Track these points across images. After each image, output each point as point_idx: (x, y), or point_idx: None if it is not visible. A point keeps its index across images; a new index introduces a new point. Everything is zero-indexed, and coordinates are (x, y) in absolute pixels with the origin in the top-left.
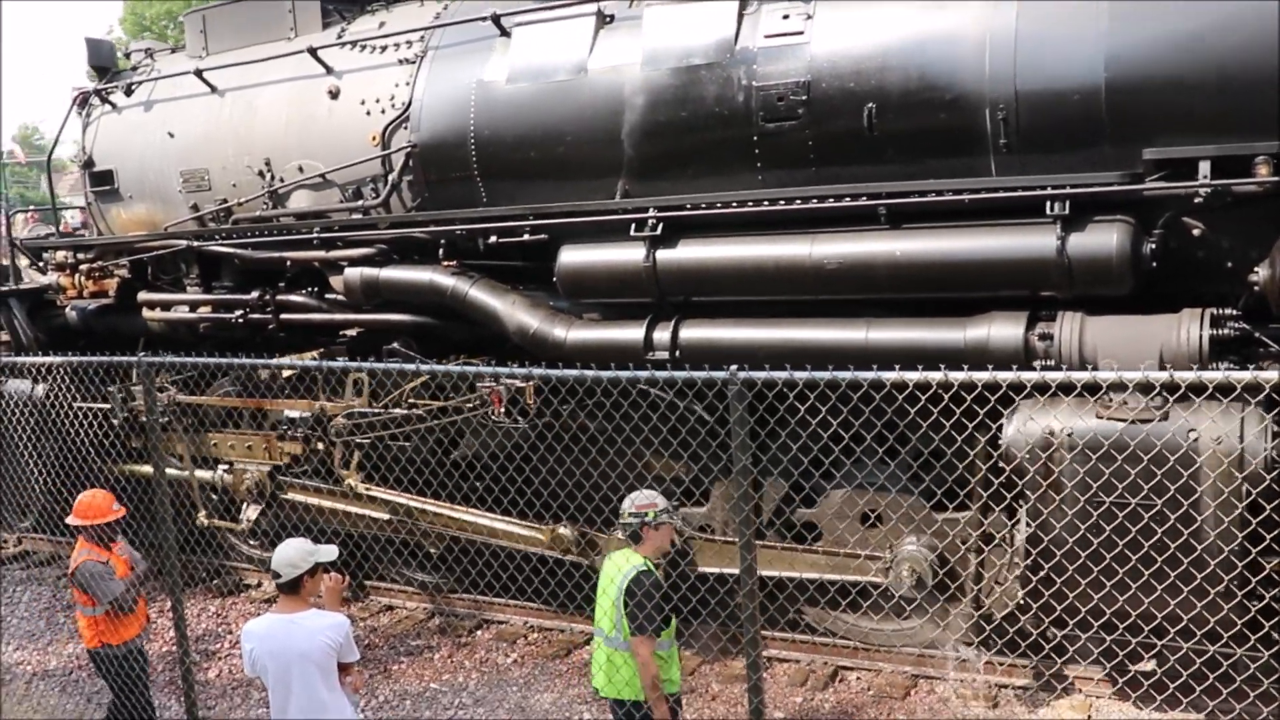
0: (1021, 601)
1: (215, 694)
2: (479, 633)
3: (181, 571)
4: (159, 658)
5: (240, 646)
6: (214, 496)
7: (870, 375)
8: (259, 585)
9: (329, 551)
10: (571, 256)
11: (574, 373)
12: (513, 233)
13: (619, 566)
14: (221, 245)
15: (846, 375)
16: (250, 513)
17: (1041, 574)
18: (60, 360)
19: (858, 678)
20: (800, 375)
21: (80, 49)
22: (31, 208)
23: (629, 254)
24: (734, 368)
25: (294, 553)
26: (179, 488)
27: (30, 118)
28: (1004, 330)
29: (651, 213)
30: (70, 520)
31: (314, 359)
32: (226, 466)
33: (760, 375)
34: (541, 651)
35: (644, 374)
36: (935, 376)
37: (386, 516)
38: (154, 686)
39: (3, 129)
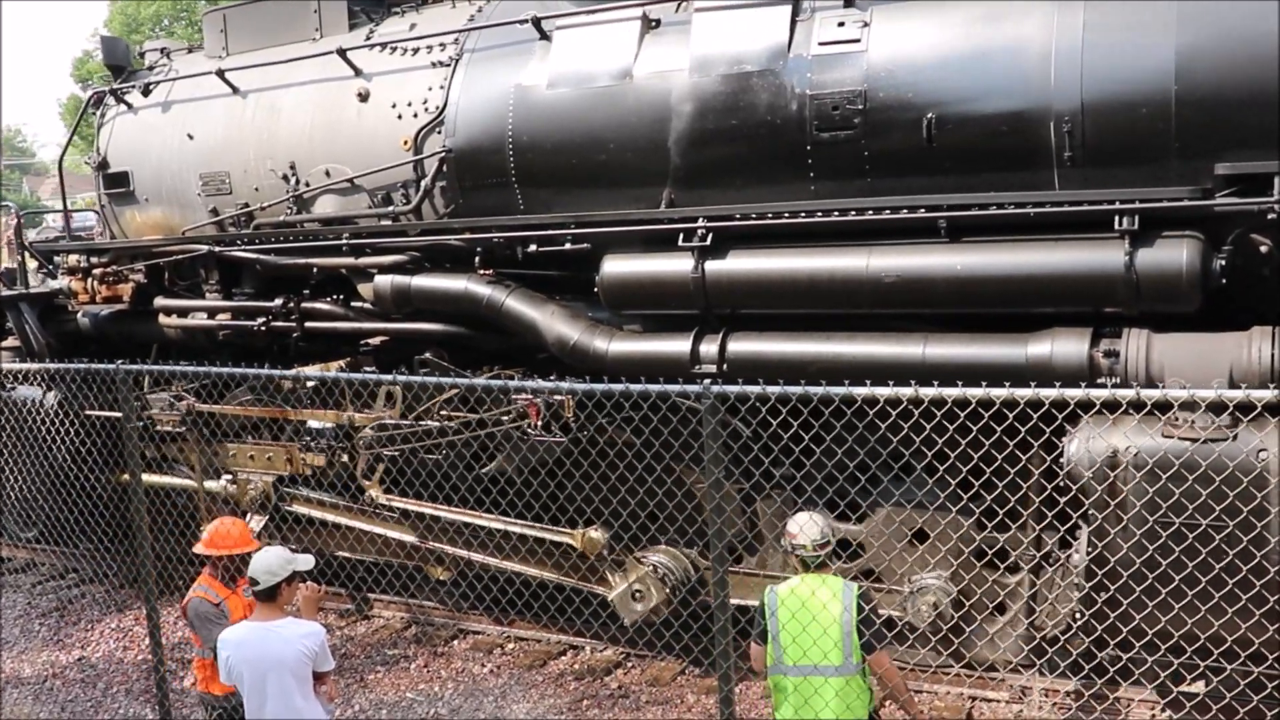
0: (1076, 621)
1: (191, 702)
2: (456, 642)
3: (157, 579)
4: (134, 666)
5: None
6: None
7: (842, 390)
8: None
9: (306, 560)
10: (615, 266)
11: (549, 384)
12: (553, 241)
13: (815, 593)
14: (245, 250)
15: (818, 390)
16: (254, 524)
17: (1103, 595)
18: (38, 367)
19: None
20: (773, 390)
21: (61, 51)
22: (14, 207)
23: (676, 264)
24: (706, 381)
25: (273, 560)
26: (190, 500)
27: (11, 120)
28: (1067, 347)
29: (701, 222)
30: (198, 549)
31: (341, 369)
32: (230, 477)
33: (733, 389)
34: (518, 662)
35: (618, 386)
36: (928, 392)
37: (400, 535)
38: (129, 696)
39: None
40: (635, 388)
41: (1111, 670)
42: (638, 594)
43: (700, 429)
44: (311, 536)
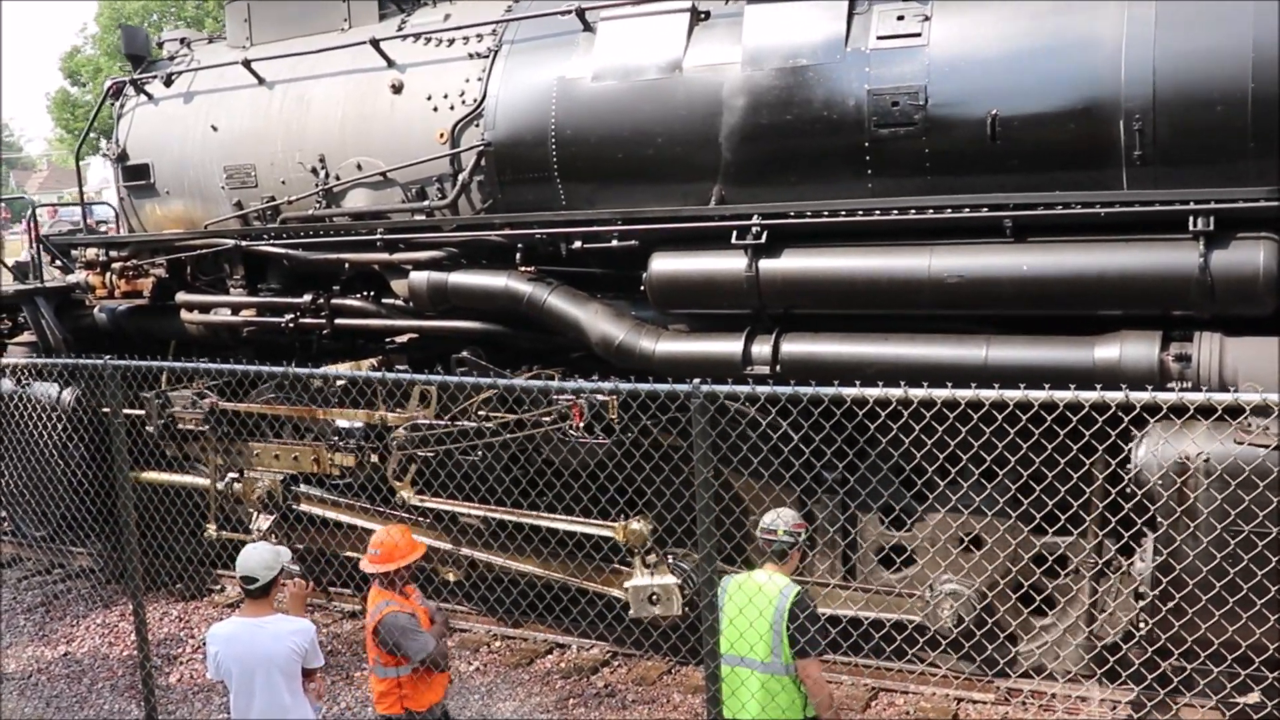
0: (1142, 630)
1: (176, 699)
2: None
3: (144, 575)
4: (119, 662)
5: (203, 650)
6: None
7: (831, 391)
8: (222, 590)
9: (287, 553)
10: (665, 264)
11: (538, 383)
12: (600, 238)
13: (760, 586)
14: (273, 245)
15: (808, 390)
16: (262, 523)
17: (1168, 603)
18: (25, 362)
19: None
20: (762, 390)
21: (49, 46)
22: (30, 200)
23: (729, 263)
24: (696, 380)
25: (268, 556)
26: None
27: None
28: (1137, 350)
29: (756, 220)
30: (368, 567)
31: (373, 367)
32: (236, 475)
33: (722, 389)
34: (504, 660)
35: (606, 385)
36: (918, 392)
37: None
38: (114, 691)
39: None
40: (625, 386)
41: (1175, 680)
42: (655, 597)
43: (749, 430)
44: (314, 535)
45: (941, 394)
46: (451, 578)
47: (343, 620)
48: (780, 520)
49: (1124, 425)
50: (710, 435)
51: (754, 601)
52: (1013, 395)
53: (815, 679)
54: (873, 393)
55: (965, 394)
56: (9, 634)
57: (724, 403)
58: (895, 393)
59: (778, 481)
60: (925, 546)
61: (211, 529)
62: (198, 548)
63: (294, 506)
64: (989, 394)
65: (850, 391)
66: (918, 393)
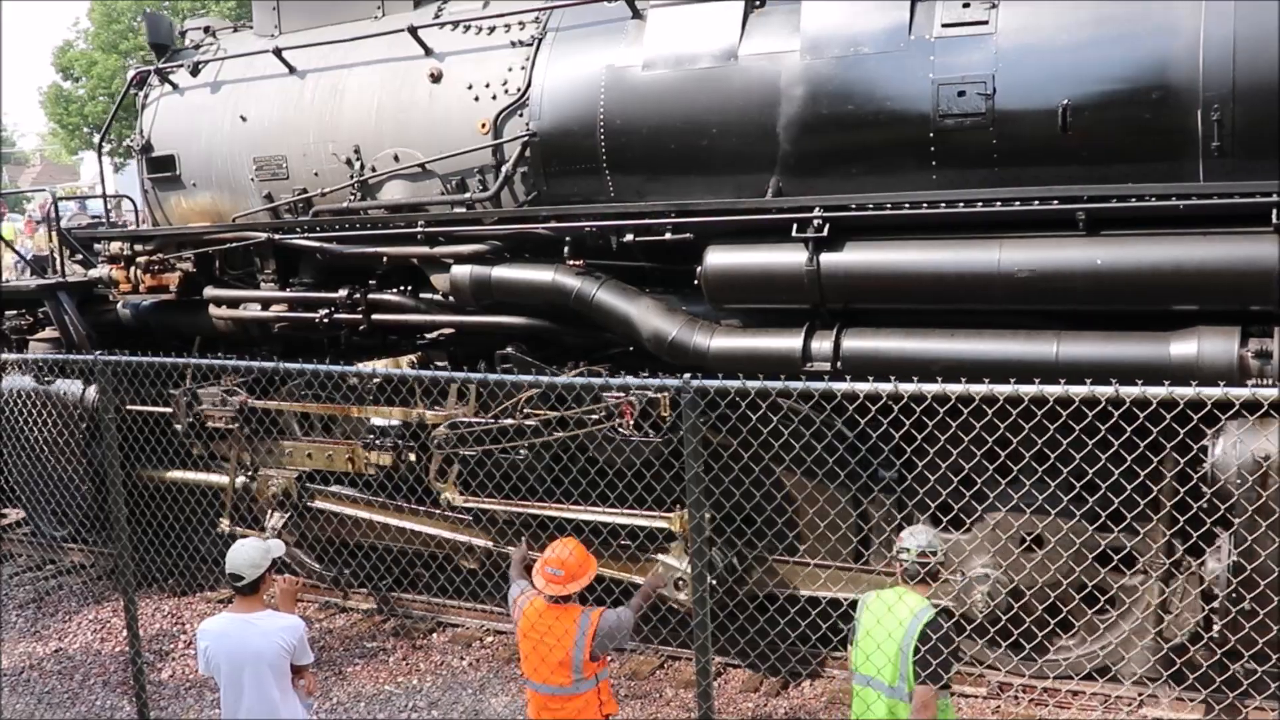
0: (1212, 631)
1: (168, 695)
2: (434, 635)
3: (135, 571)
4: (111, 658)
5: (194, 646)
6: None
7: (821, 386)
8: (214, 586)
9: (279, 546)
10: (721, 258)
11: (582, 380)
12: (652, 231)
13: (889, 606)
14: (308, 238)
15: (798, 385)
16: (275, 520)
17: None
18: (16, 358)
19: (811, 684)
20: (753, 385)
21: (41, 40)
22: (50, 192)
23: (789, 256)
24: (687, 376)
25: (256, 553)
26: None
27: None
28: (1216, 346)
29: (817, 212)
30: (554, 590)
31: (411, 364)
32: (250, 472)
33: (713, 384)
34: (497, 655)
35: (598, 380)
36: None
37: (435, 531)
38: (106, 688)
39: None
40: (614, 381)
41: (1245, 683)
42: (681, 583)
43: (803, 429)
44: (335, 529)
45: (931, 388)
46: (473, 566)
47: (335, 615)
48: (926, 540)
49: (1195, 423)
50: (700, 430)
51: (882, 622)
52: (1078, 391)
53: (924, 707)
54: (863, 387)
55: (1105, 391)
56: (1, 630)
57: (775, 400)
58: (885, 387)
59: (832, 479)
60: (985, 545)
61: (225, 524)
62: (224, 545)
63: (310, 504)
64: (1054, 389)
65: (841, 386)
66: (908, 387)
